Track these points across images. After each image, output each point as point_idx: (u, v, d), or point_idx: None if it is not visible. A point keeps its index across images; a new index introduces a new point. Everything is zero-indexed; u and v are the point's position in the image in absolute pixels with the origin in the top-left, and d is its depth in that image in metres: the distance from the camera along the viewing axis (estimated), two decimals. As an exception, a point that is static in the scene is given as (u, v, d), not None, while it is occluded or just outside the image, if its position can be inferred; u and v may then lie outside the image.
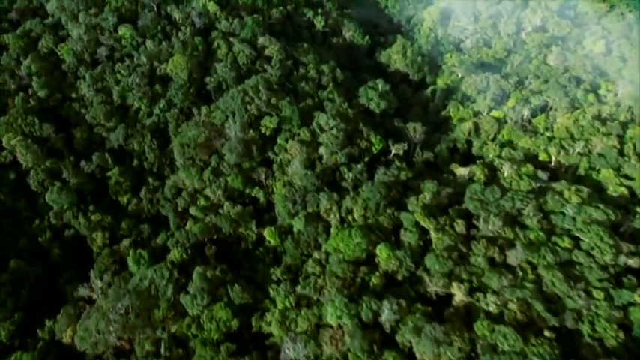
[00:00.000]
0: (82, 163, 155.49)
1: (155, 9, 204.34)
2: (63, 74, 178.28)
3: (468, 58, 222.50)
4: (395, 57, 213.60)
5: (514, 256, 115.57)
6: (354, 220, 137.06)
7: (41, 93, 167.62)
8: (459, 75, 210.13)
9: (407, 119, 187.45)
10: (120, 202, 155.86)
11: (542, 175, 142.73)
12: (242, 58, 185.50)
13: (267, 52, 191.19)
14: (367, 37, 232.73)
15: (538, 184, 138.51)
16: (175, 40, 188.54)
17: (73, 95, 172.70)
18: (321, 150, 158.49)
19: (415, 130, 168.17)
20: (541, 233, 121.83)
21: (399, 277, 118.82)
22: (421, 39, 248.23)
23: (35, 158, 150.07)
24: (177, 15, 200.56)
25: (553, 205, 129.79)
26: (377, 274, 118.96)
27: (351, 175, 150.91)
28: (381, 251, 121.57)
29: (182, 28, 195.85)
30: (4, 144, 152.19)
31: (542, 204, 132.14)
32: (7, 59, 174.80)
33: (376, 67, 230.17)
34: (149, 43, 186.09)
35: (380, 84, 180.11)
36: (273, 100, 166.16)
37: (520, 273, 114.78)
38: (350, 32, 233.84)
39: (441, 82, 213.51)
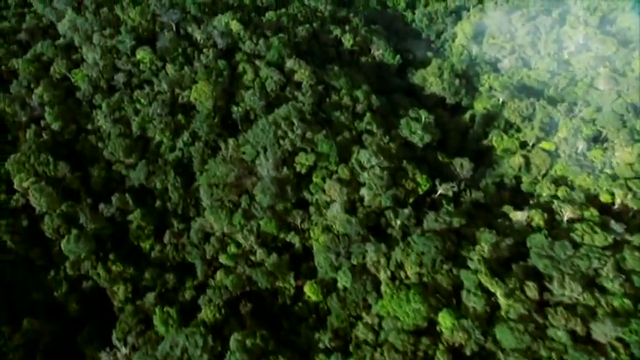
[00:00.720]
0: (101, 206, 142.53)
1: (174, 28, 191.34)
2: (77, 103, 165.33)
3: (507, 80, 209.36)
4: (431, 80, 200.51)
5: (601, 331, 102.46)
6: (406, 276, 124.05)
7: (54, 125, 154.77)
8: (500, 99, 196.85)
9: (445, 149, 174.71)
10: (142, 248, 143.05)
11: (618, 227, 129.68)
12: (270, 84, 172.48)
13: (296, 76, 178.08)
14: (398, 56, 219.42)
15: (612, 236, 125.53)
16: (198, 63, 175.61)
17: (89, 127, 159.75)
18: (363, 191, 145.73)
19: (462, 166, 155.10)
20: (626, 300, 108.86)
21: (467, 352, 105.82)
22: (453, 57, 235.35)
23: (50, 202, 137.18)
24: (198, 35, 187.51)
25: (633, 263, 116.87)
26: (441, 347, 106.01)
27: (398, 221, 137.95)
28: (444, 319, 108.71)
29: (204, 50, 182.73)
30: (15, 186, 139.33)
31: (619, 261, 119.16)
32: (17, 87, 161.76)
33: (408, 88, 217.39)
34: (170, 68, 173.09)
35: (423, 115, 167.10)
36: (308, 135, 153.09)
37: (612, 353, 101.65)
38: (379, 51, 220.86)
39: (479, 107, 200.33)
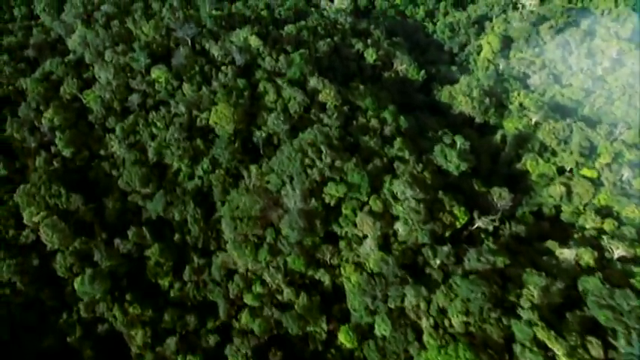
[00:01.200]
0: (117, 241, 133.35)
1: (189, 43, 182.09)
2: (89, 126, 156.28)
3: (538, 98, 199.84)
4: (460, 99, 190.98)
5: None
6: (450, 324, 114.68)
7: (66, 152, 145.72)
8: (532, 119, 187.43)
9: (477, 173, 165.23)
10: (160, 285, 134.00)
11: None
12: (293, 105, 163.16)
13: (320, 97, 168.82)
14: (423, 71, 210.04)
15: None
16: (216, 83, 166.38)
17: (102, 152, 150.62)
18: (397, 225, 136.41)
19: (501, 196, 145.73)
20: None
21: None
22: (479, 72, 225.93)
23: (62, 238, 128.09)
24: (215, 52, 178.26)
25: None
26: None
27: (437, 260, 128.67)
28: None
29: (222, 67, 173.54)
30: (25, 220, 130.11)
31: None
32: (26, 110, 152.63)
33: (432, 104, 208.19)
34: (186, 88, 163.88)
35: (459, 141, 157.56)
36: (337, 163, 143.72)
37: None
38: (403, 65, 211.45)
39: (510, 126, 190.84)
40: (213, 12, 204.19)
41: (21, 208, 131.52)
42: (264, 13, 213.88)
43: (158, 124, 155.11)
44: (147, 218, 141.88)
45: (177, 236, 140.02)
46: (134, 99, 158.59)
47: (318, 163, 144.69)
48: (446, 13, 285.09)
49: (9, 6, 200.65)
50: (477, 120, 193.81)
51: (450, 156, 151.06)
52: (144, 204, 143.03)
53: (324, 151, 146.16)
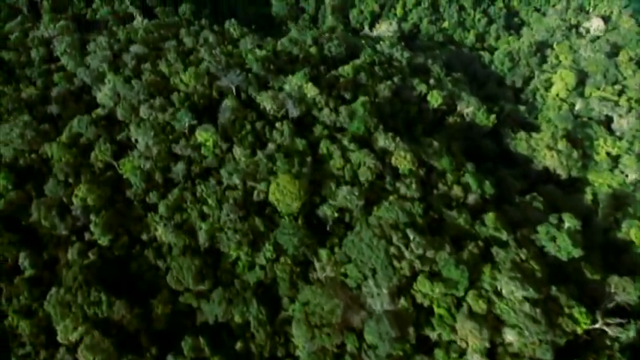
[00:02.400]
0: (169, 358, 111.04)
1: (234, 91, 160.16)
2: (127, 202, 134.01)
3: (626, 146, 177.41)
4: (544, 153, 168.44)
5: None
6: None
7: (103, 240, 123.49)
8: (628, 175, 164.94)
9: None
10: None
11: None
12: (365, 172, 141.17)
13: (393, 161, 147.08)
14: (493, 116, 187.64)
15: None
16: (272, 145, 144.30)
17: (144, 237, 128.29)
18: (507, 333, 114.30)
19: (625, 290, 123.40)
20: None
21: None
22: (550, 112, 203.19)
23: (105, 359, 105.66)
24: (267, 104, 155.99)
25: None
26: None
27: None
28: None
29: (277, 124, 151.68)
30: (58, 337, 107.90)
31: None
32: (54, 187, 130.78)
33: (503, 154, 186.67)
34: (238, 153, 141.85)
35: (571, 223, 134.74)
36: (429, 254, 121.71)
37: None
38: (469, 108, 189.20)
39: (599, 182, 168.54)
40: (257, 51, 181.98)
41: (54, 321, 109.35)
42: (312, 50, 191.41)
43: (209, 200, 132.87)
44: (202, 322, 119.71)
45: (239, 344, 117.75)
46: (179, 170, 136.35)
47: (406, 253, 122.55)
48: (497, 37, 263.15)
49: (26, 47, 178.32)
50: (562, 176, 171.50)
51: (561, 240, 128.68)
52: (198, 304, 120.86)
53: (412, 238, 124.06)
